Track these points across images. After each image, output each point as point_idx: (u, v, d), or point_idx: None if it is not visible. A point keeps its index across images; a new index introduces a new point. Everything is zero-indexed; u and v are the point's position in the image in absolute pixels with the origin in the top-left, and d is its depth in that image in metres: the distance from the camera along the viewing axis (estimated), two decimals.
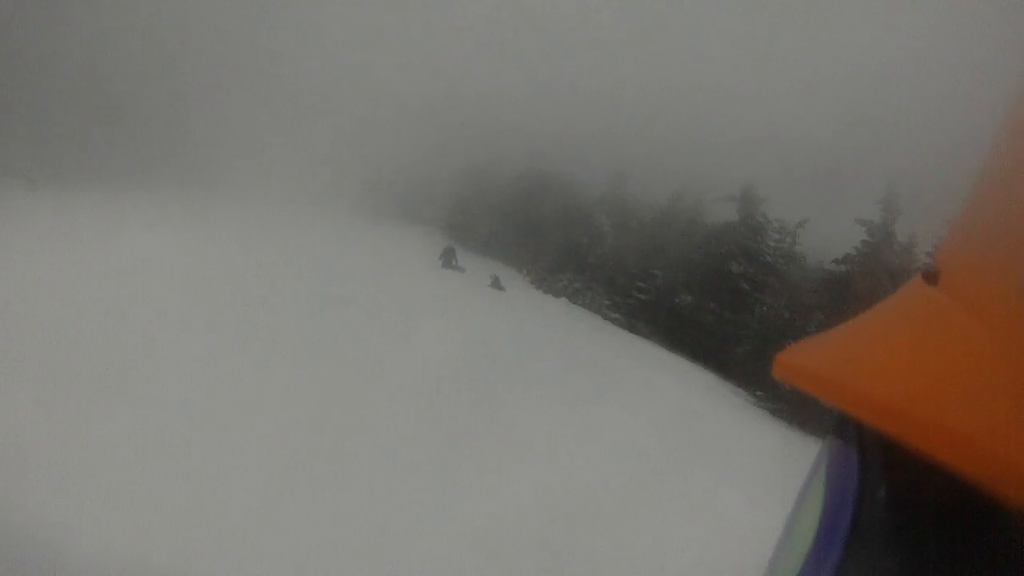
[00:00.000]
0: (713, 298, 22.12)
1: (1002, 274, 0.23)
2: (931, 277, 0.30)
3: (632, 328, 22.97)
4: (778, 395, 16.55)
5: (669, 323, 22.87)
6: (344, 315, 12.26)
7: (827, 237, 19.76)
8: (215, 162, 32.39)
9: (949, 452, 0.19)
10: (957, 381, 0.21)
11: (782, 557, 0.37)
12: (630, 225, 27.61)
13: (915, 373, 0.23)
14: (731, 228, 22.38)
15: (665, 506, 8.25)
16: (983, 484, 0.18)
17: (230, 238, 16.07)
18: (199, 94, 36.95)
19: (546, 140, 32.97)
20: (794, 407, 15.87)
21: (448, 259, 23.02)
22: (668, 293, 23.81)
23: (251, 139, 34.59)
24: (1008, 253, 0.24)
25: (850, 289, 16.77)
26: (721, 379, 18.67)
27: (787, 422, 15.88)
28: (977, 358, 0.22)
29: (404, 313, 13.53)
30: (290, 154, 35.36)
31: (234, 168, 32.38)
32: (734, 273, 21.42)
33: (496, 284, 21.33)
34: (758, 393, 17.62)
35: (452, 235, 31.65)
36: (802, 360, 0.31)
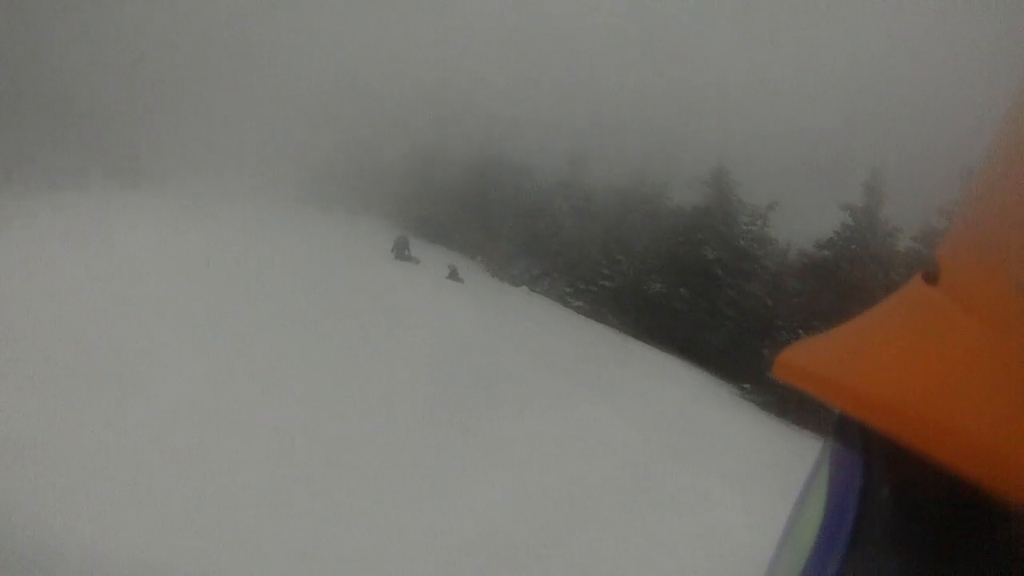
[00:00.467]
0: (685, 284, 21.32)
1: (1002, 274, 0.23)
2: (931, 277, 0.30)
3: (598, 317, 22.05)
4: (766, 387, 15.91)
5: (638, 311, 21.97)
6: (299, 316, 11.28)
7: (801, 221, 19.39)
8: (155, 153, 29.51)
9: (949, 452, 0.19)
10: (957, 381, 0.21)
11: (783, 557, 0.36)
12: (592, 210, 26.54)
13: (915, 374, 0.23)
14: (704, 212, 21.60)
15: (657, 505, 8.11)
16: (984, 484, 0.18)
17: (175, 231, 14.22)
18: (140, 85, 33.49)
19: (500, 123, 31.42)
20: (784, 400, 15.26)
21: (401, 249, 21.48)
22: (636, 280, 22.89)
23: (192, 127, 31.45)
24: (1008, 253, 0.24)
25: (833, 275, 16.34)
26: (702, 371, 17.97)
27: (778, 416, 15.27)
28: (977, 358, 0.22)
29: (364, 312, 12.41)
30: (232, 140, 32.41)
31: (175, 159, 29.51)
32: (708, 259, 20.65)
33: (454, 275, 20.09)
34: (745, 386, 16.94)
35: (402, 223, 29.81)
36: (802, 360, 0.31)
